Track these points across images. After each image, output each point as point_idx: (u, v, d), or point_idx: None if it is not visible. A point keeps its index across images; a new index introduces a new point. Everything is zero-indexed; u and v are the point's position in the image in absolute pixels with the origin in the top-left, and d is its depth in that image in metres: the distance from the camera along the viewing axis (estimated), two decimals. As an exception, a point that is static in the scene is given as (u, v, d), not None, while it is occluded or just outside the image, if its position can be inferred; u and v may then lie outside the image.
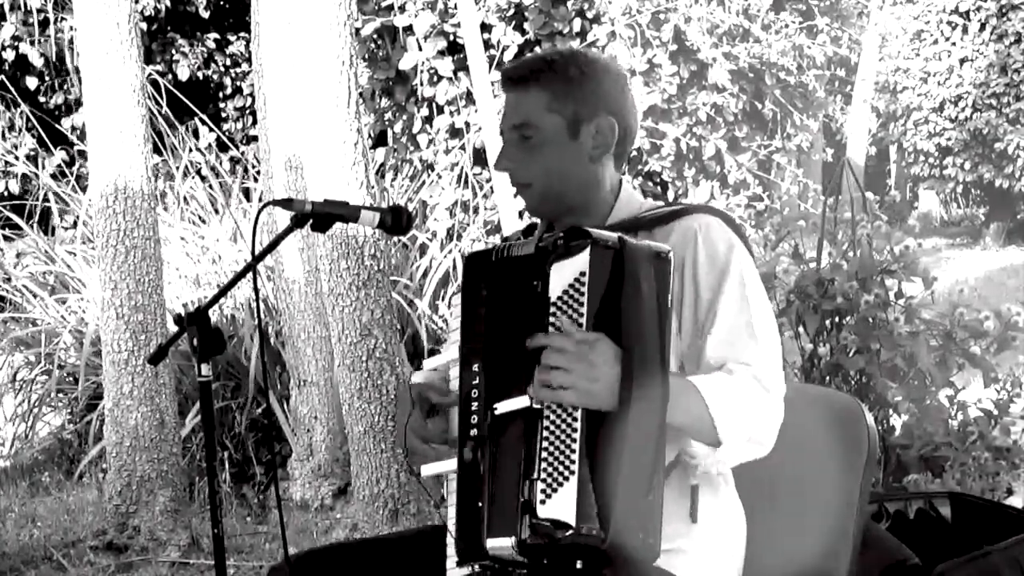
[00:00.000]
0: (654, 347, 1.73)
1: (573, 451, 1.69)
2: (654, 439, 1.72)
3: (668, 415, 1.73)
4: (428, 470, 1.94)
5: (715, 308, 1.89)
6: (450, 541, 1.88)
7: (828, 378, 3.50)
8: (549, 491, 1.69)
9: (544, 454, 1.70)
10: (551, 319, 1.73)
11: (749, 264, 1.94)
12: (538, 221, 2.12)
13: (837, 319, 3.51)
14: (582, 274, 1.72)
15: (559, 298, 1.74)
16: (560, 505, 1.68)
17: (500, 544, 1.74)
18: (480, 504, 1.77)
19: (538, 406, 1.72)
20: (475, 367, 1.83)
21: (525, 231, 2.11)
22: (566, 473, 1.68)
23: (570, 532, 1.67)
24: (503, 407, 1.76)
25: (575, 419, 1.70)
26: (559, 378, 1.69)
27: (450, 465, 1.87)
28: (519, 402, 1.73)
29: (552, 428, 1.71)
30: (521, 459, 1.72)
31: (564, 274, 1.74)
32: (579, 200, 2.00)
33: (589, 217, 1.99)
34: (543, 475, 1.69)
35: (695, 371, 1.89)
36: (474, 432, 1.80)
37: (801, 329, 3.54)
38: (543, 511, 1.69)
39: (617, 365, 1.71)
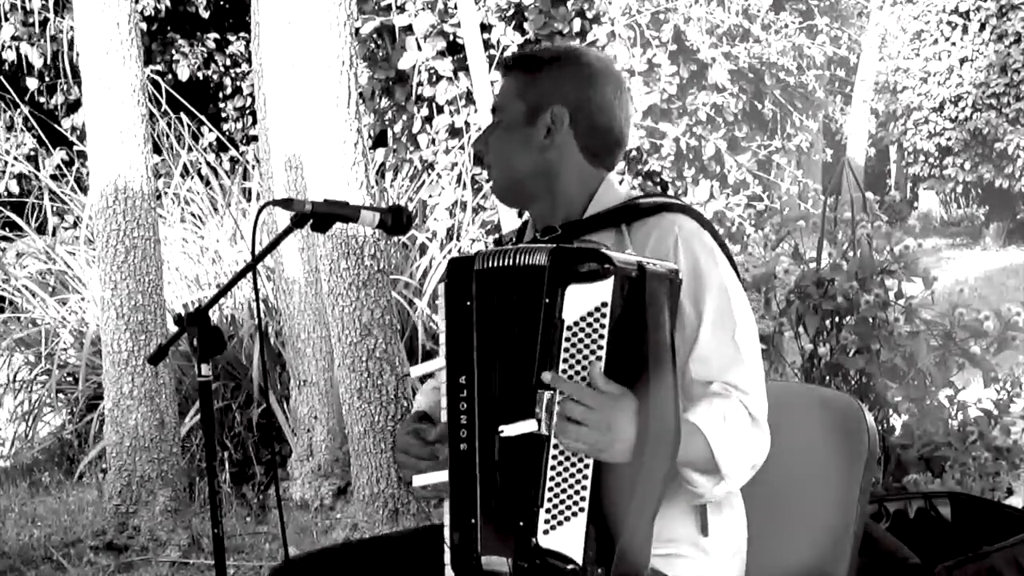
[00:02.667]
0: (668, 389, 1.68)
1: (584, 488, 1.67)
2: (660, 482, 1.70)
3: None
4: (419, 480, 1.90)
5: (698, 322, 1.83)
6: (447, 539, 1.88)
7: (828, 378, 3.50)
8: (554, 523, 1.68)
9: (551, 484, 1.68)
10: (564, 344, 1.68)
11: (729, 273, 1.89)
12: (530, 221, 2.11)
13: (837, 319, 3.51)
14: (603, 304, 1.66)
15: (575, 323, 1.68)
16: (566, 539, 1.67)
17: (495, 562, 1.75)
18: (473, 521, 1.77)
19: (546, 433, 1.68)
20: (462, 380, 1.79)
21: (519, 232, 2.10)
22: (575, 509, 1.67)
23: (572, 567, 1.67)
24: (509, 431, 1.70)
25: (587, 454, 1.68)
26: (577, 433, 1.65)
27: (441, 477, 1.85)
28: (526, 426, 1.69)
29: (562, 460, 1.69)
30: (523, 484, 1.70)
31: (581, 300, 1.67)
32: (536, 188, 1.98)
33: (557, 210, 1.97)
34: (548, 505, 1.68)
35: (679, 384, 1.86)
36: (463, 447, 1.78)
37: (801, 329, 3.54)
38: (546, 541, 1.68)
39: (635, 423, 1.67)
